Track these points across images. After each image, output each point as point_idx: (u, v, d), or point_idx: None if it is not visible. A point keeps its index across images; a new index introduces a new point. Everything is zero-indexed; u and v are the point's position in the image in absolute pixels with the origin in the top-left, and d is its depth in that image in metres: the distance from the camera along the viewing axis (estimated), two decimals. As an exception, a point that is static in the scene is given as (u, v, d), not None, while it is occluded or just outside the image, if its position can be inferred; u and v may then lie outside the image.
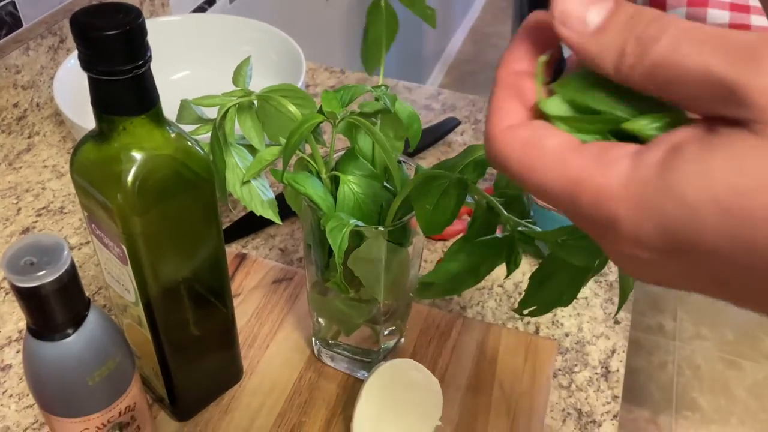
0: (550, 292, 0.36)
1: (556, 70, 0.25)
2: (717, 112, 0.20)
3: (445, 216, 0.39)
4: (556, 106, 0.23)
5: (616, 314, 0.40)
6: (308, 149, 0.46)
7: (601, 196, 0.21)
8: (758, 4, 1.48)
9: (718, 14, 1.47)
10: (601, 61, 0.22)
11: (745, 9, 1.48)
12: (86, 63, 0.34)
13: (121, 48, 0.34)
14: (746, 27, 1.43)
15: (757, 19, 1.45)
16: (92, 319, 0.37)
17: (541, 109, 0.23)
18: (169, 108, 0.48)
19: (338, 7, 1.49)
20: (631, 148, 0.21)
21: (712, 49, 0.20)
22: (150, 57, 0.36)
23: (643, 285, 1.92)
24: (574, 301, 0.64)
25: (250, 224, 0.69)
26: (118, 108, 0.36)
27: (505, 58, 0.25)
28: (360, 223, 0.43)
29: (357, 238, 0.44)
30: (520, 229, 0.34)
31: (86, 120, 0.52)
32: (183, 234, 0.42)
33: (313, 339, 0.56)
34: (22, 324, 0.59)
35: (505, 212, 0.35)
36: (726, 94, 0.20)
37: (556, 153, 0.22)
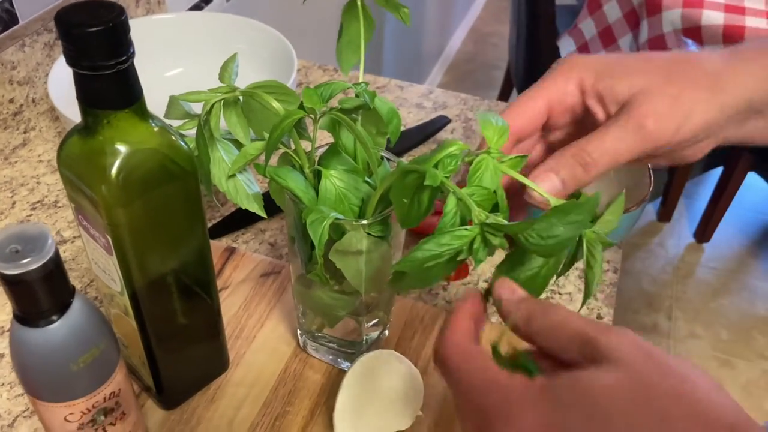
0: (517, 283, 0.37)
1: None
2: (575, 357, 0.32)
3: (420, 209, 0.40)
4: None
5: (581, 306, 0.41)
6: (293, 144, 0.47)
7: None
8: (753, 6, 1.49)
9: (714, 15, 1.48)
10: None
11: (740, 11, 1.48)
12: (71, 58, 0.35)
13: (104, 44, 0.35)
14: (741, 29, 1.44)
15: (751, 21, 1.45)
16: (77, 306, 0.38)
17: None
18: (163, 104, 0.49)
19: (333, 6, 1.50)
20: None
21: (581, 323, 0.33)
22: (133, 52, 0.37)
23: (639, 283, 1.93)
24: (558, 296, 0.65)
25: (241, 219, 0.70)
26: (102, 102, 0.37)
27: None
28: (340, 216, 0.44)
29: (338, 231, 0.45)
30: (487, 221, 0.35)
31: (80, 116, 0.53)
32: (167, 225, 0.43)
33: (299, 331, 0.57)
34: (15, 314, 0.60)
35: (474, 205, 0.36)
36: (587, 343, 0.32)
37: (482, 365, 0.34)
